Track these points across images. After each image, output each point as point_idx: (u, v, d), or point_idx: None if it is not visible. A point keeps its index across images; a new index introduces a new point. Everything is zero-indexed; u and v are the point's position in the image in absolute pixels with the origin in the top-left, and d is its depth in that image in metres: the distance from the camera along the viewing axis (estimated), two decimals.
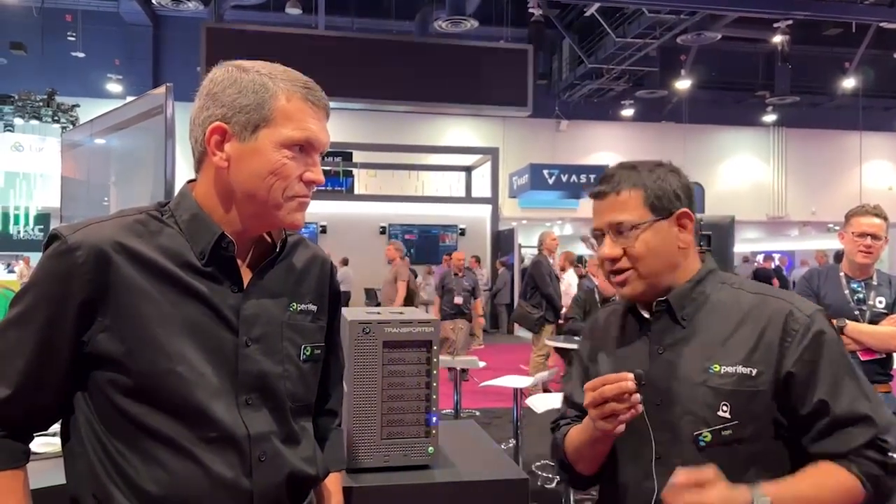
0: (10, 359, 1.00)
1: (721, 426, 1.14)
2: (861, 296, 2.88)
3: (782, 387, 1.15)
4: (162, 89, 3.25)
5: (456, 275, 8.24)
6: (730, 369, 1.15)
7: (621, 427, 1.15)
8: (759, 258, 17.30)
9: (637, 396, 1.12)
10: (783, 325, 1.16)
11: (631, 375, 1.12)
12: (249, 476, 1.05)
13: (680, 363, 1.20)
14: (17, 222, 16.02)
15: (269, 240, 1.16)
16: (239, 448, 1.05)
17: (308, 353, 1.16)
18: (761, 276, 13.28)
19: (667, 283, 1.24)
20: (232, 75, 1.06)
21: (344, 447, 1.25)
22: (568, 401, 1.42)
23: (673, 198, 1.22)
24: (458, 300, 8.09)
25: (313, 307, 1.18)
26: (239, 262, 1.10)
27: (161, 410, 1.01)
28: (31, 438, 1.06)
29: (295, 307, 1.15)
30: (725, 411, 1.14)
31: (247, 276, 1.10)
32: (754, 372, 1.15)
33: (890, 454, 1.12)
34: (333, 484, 1.29)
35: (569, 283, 8.17)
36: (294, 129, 1.04)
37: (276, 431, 1.10)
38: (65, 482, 1.08)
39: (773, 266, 16.86)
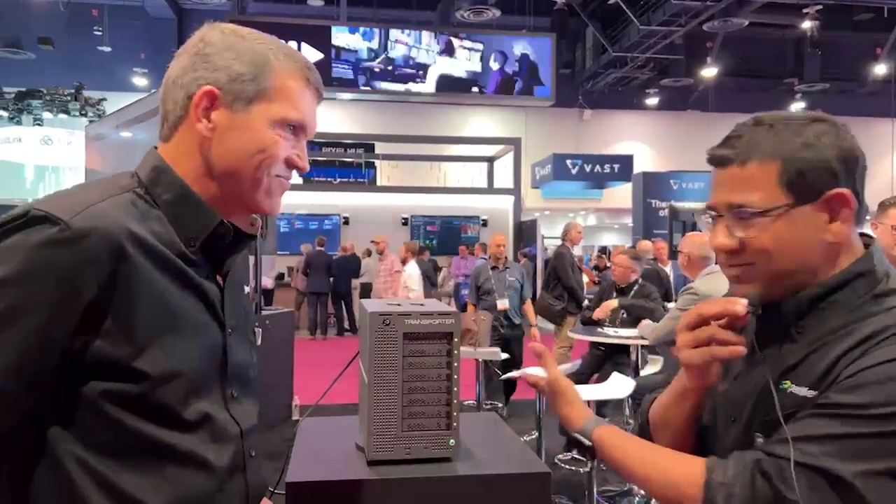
0: None
1: None
2: None
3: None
4: None
5: (495, 268, 5.87)
6: (797, 391, 0.90)
7: (713, 370, 0.97)
8: None
9: (742, 338, 0.93)
10: (867, 335, 0.86)
11: (744, 301, 0.92)
12: (244, 471, 1.00)
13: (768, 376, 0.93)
14: None
15: None
16: (235, 445, 0.99)
17: (255, 337, 1.14)
18: None
19: (798, 284, 0.93)
20: (229, 39, 0.96)
21: None
22: None
23: (825, 173, 0.89)
24: (503, 304, 5.67)
25: (248, 290, 1.17)
26: None
27: (163, 415, 0.89)
28: None
29: (246, 292, 1.11)
30: None
31: None
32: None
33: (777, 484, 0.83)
34: None
35: (409, 275, 7.48)
36: (291, 108, 0.97)
37: (256, 425, 1.04)
38: None
39: None
